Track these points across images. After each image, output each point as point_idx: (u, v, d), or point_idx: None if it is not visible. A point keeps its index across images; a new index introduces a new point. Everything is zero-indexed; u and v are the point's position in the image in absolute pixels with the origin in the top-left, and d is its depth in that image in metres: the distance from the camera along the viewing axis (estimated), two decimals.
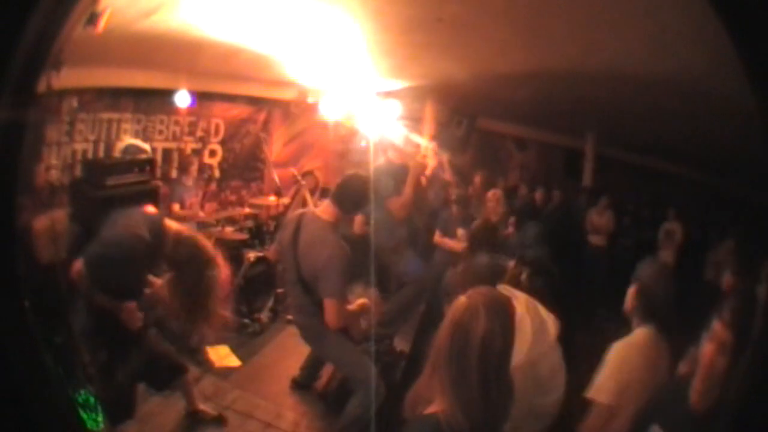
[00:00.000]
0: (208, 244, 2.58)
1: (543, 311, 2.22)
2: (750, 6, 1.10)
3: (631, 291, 2.21)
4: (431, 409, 1.65)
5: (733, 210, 2.59)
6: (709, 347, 1.75)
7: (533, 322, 2.10)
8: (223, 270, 2.50)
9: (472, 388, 1.63)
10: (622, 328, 2.27)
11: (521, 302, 2.19)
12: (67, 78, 2.54)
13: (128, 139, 3.53)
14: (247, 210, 3.90)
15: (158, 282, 2.59)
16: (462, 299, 1.73)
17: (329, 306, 2.42)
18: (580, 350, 2.41)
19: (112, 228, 2.46)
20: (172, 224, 2.53)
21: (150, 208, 2.62)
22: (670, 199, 3.02)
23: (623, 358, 2.11)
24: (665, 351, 2.12)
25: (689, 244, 2.93)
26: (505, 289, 2.29)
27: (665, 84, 2.79)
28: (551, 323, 2.13)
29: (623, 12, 2.53)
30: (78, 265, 2.36)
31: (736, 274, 2.38)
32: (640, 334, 2.18)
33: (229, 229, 3.79)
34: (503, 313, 1.73)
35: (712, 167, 2.71)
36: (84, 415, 1.90)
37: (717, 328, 1.68)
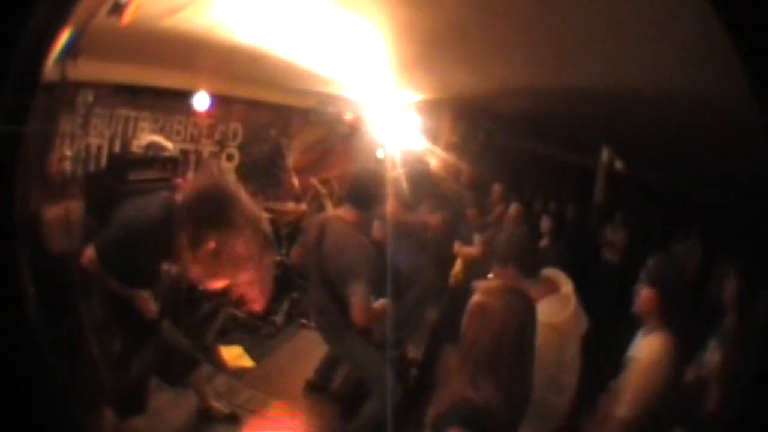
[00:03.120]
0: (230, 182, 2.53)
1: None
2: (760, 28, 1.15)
3: (645, 293, 2.18)
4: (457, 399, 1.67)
5: (741, 230, 2.61)
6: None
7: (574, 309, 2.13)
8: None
9: (500, 379, 1.67)
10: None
11: (568, 284, 2.22)
12: (84, 69, 2.56)
13: (151, 136, 3.54)
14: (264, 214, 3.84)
15: (173, 270, 2.58)
16: (489, 290, 1.77)
17: (356, 302, 2.44)
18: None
19: (123, 212, 2.47)
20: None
21: (165, 192, 2.61)
22: (686, 218, 3.06)
23: (647, 376, 2.13)
24: (675, 355, 2.12)
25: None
26: (551, 271, 2.30)
27: (684, 103, 2.86)
28: (583, 319, 2.16)
29: (644, 30, 2.62)
30: (89, 251, 2.37)
31: (739, 291, 2.41)
32: (657, 343, 2.17)
33: None
34: (528, 303, 1.79)
35: (726, 187, 2.75)
36: None
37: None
